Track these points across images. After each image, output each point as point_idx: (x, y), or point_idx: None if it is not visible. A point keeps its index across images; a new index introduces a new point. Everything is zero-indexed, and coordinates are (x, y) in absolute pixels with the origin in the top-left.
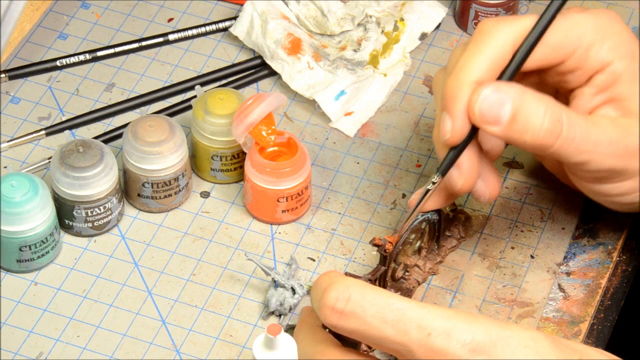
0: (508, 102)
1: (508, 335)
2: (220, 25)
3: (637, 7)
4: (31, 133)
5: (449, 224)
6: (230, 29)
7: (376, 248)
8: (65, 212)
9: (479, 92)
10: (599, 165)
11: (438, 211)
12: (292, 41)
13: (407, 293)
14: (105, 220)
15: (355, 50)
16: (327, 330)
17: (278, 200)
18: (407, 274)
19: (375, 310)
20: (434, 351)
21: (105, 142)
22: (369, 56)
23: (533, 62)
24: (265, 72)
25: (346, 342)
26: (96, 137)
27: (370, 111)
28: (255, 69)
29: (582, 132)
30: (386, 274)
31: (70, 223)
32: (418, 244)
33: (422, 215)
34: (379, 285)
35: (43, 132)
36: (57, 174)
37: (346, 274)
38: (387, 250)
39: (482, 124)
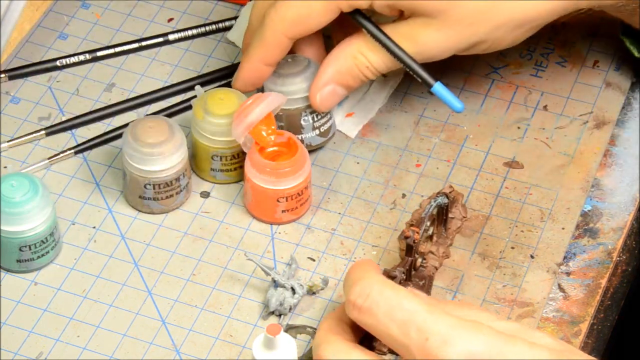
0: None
1: (508, 350)
2: (220, 25)
3: None
4: (31, 133)
5: (450, 206)
6: (227, 35)
7: (404, 240)
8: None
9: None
10: None
11: (446, 195)
12: None
13: (429, 280)
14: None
15: None
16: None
17: (278, 200)
18: (424, 261)
19: (386, 309)
20: (430, 356)
21: (105, 142)
22: None
23: None
24: None
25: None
26: (95, 138)
27: (371, 112)
28: None
29: None
30: (412, 265)
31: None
32: (431, 230)
33: (434, 201)
34: (406, 276)
35: (43, 132)
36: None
37: (384, 271)
38: (416, 240)
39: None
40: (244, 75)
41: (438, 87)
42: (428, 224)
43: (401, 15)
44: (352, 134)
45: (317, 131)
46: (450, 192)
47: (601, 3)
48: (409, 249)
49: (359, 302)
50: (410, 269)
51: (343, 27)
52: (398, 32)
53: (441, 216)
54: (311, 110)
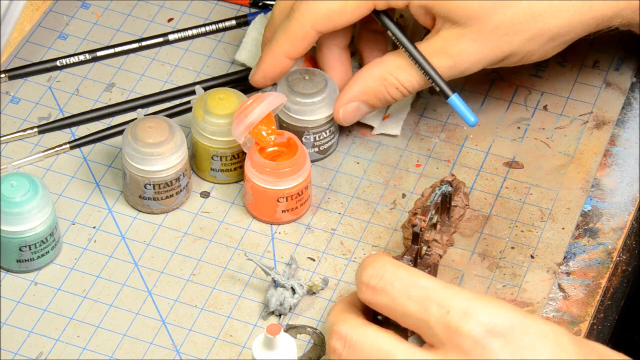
0: None
1: (529, 324)
2: (220, 25)
3: None
4: (25, 129)
5: (453, 194)
6: (235, 56)
7: (411, 228)
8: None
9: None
10: None
11: (450, 183)
12: (307, 59)
13: (434, 268)
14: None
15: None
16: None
17: (278, 200)
18: (428, 249)
19: (402, 287)
20: (451, 329)
21: (100, 140)
22: None
23: None
24: None
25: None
26: (92, 134)
27: (406, 107)
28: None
29: None
30: (418, 252)
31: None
32: (435, 218)
33: (439, 189)
34: (413, 264)
35: (36, 129)
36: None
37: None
38: (423, 228)
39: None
40: (265, 68)
41: (454, 99)
42: (433, 212)
43: (433, 27)
44: (397, 131)
45: (316, 149)
46: (452, 180)
47: (634, 21)
48: (415, 237)
49: (373, 282)
50: (417, 257)
51: (368, 28)
52: (431, 48)
53: (445, 204)
54: (315, 131)
